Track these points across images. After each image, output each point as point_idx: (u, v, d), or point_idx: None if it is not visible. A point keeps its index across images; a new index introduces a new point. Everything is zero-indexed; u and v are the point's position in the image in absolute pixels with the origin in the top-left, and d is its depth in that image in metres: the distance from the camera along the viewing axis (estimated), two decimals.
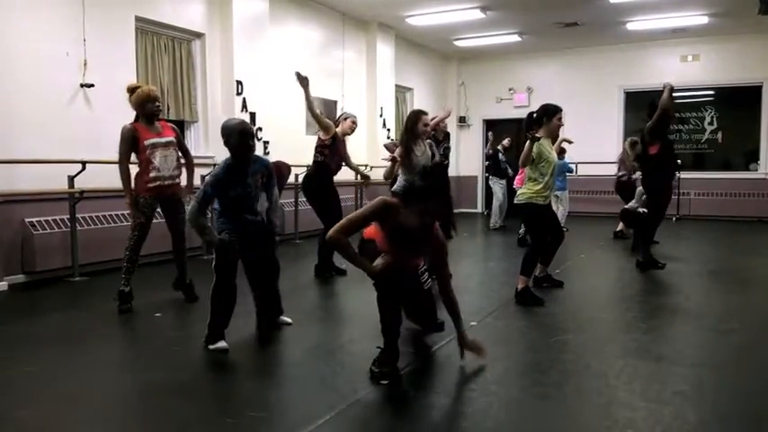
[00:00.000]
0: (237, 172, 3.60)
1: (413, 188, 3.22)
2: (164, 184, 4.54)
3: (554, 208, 6.05)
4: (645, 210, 6.83)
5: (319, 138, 5.74)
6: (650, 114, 6.05)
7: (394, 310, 3.12)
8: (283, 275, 4.06)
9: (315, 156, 5.74)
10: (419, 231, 3.01)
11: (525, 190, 4.83)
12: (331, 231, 3.09)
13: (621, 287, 5.59)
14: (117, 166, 4.50)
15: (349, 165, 6.10)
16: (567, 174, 9.42)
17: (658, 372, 3.20)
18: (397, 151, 5.09)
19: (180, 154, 4.71)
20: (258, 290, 3.90)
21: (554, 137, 5.11)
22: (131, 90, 4.55)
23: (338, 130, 5.80)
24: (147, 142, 4.46)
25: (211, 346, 3.50)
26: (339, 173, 5.96)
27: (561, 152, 9.00)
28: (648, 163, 6.02)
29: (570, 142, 8.24)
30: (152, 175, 4.48)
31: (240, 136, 3.55)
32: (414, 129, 5.03)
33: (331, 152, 5.70)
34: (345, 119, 5.89)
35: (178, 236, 4.76)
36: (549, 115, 4.84)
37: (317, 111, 5.73)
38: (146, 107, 4.49)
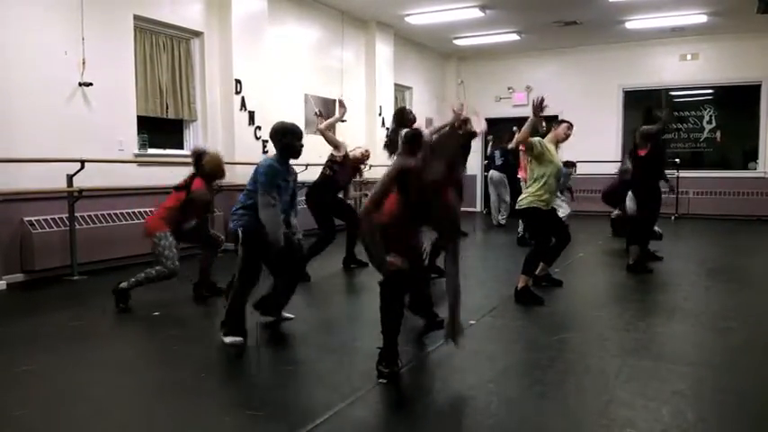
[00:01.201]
0: (282, 170, 3.82)
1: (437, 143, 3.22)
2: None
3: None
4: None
5: (332, 153, 5.90)
6: (645, 119, 6.10)
7: (397, 312, 3.11)
8: None
9: (324, 168, 5.91)
10: (438, 188, 3.01)
11: (526, 195, 4.87)
12: (361, 215, 3.12)
13: (620, 286, 5.60)
14: (117, 165, 4.51)
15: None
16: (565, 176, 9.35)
17: (657, 370, 3.20)
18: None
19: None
20: (280, 279, 3.97)
21: (558, 142, 5.14)
22: (199, 154, 4.75)
23: (351, 155, 5.97)
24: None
25: (228, 340, 3.57)
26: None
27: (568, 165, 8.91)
28: (637, 165, 6.05)
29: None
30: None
31: (296, 137, 3.83)
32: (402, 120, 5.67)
33: (341, 169, 5.88)
34: (358, 148, 6.15)
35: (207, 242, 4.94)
36: (558, 122, 5.08)
37: (331, 133, 5.95)
38: (217, 176, 4.76)
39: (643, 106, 6.33)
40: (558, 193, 8.91)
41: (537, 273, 5.10)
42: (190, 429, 2.55)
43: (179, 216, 4.63)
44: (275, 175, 3.70)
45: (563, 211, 9.53)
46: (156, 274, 4.47)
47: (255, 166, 3.82)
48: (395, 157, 5.16)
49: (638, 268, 5.88)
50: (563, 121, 5.23)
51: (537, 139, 4.80)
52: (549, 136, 5.06)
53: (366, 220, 3.03)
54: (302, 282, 5.72)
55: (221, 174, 4.79)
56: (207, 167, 4.71)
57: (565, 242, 5.06)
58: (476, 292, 5.15)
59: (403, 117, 5.87)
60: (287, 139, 3.81)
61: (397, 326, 3.13)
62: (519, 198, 4.99)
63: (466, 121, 7.75)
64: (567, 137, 5.15)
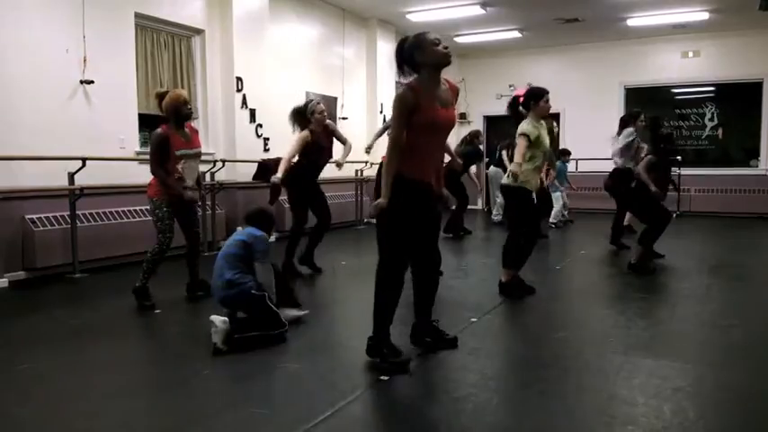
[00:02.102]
0: None
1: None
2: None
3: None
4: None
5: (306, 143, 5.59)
6: (650, 123, 6.18)
7: (396, 287, 3.15)
8: None
9: (300, 158, 5.61)
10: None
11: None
12: (386, 156, 3.12)
13: (621, 283, 5.59)
14: (119, 163, 4.46)
15: (340, 138, 5.91)
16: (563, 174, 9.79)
17: (658, 368, 3.20)
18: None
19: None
20: None
21: (544, 119, 4.97)
22: (160, 96, 4.54)
23: (311, 127, 5.60)
24: (178, 152, 4.47)
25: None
26: (337, 170, 6.00)
27: (565, 153, 9.46)
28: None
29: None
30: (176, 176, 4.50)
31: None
32: None
33: (316, 150, 5.61)
34: (312, 113, 5.61)
35: (193, 237, 4.78)
36: (535, 99, 4.78)
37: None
38: (181, 111, 4.47)
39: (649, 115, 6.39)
40: (557, 185, 9.24)
41: (504, 281, 4.85)
42: (191, 427, 2.55)
43: (153, 166, 4.42)
44: None
45: (558, 205, 9.66)
46: (150, 254, 4.46)
47: (239, 239, 3.79)
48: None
49: (641, 267, 5.84)
50: (537, 91, 4.87)
51: (526, 129, 4.63)
52: (533, 115, 4.78)
53: (386, 165, 3.09)
54: (316, 272, 5.81)
55: (180, 109, 4.45)
56: (164, 110, 4.46)
57: (534, 240, 4.79)
58: (477, 290, 5.15)
59: None
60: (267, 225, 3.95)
61: (393, 309, 3.16)
62: (506, 174, 4.75)
63: (477, 134, 8.33)
64: (549, 109, 4.84)
